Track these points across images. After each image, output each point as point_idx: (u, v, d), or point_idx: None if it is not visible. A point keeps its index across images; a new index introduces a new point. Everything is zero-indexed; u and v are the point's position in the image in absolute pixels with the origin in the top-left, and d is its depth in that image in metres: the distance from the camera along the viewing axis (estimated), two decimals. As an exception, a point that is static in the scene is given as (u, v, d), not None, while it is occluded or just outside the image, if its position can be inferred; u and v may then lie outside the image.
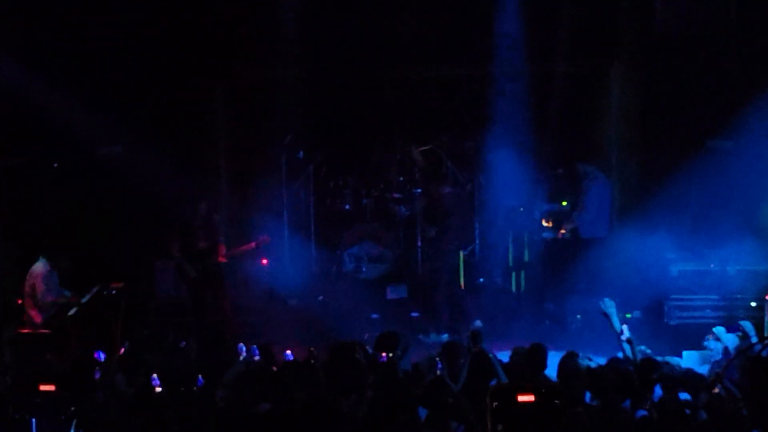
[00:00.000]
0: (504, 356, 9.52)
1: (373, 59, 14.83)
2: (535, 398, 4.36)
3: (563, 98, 14.67)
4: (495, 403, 4.44)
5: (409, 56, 14.81)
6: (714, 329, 10.15)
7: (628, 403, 8.05)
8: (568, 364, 8.94)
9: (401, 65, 15.02)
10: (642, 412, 7.49)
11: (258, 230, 13.40)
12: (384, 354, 9.09)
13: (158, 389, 7.76)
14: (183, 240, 12.56)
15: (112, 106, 13.95)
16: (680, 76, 13.66)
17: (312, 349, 9.40)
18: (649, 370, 8.67)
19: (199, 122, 14.61)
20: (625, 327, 9.50)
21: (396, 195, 14.50)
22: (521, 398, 4.38)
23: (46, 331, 11.47)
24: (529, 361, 9.05)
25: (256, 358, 9.18)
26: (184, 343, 11.13)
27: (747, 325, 9.99)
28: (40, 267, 11.87)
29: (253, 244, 12.81)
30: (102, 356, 9.33)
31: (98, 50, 13.82)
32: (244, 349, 9.33)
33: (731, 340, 9.93)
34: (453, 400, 7.88)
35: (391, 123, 15.06)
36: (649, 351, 9.90)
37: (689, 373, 9.06)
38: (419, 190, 14.44)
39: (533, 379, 8.64)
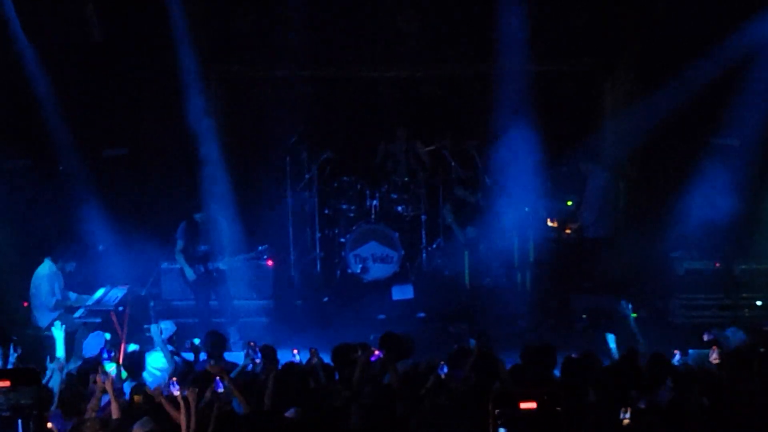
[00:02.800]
0: (509, 356, 9.52)
1: (377, 58, 14.86)
2: (538, 405, 4.37)
3: (567, 97, 14.67)
4: (497, 410, 4.45)
5: (412, 55, 14.83)
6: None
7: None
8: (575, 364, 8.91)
9: (405, 65, 15.04)
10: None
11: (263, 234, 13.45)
12: (377, 352, 9.05)
13: (176, 392, 7.76)
14: (186, 242, 12.57)
15: (117, 108, 13.99)
16: (683, 73, 13.64)
17: (314, 350, 9.39)
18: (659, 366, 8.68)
19: (204, 123, 14.61)
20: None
21: (401, 195, 14.50)
22: (523, 405, 4.38)
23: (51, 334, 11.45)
24: (539, 361, 9.03)
25: (258, 360, 9.18)
26: (188, 343, 11.17)
27: None
28: (45, 269, 11.88)
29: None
30: (108, 354, 9.34)
31: (102, 51, 13.86)
32: (248, 351, 9.34)
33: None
34: (452, 403, 7.86)
35: (395, 123, 15.06)
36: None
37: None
38: (423, 191, 14.46)
39: (542, 379, 8.63)
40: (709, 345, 9.65)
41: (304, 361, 9.23)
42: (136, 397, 8.05)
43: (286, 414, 7.54)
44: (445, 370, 8.42)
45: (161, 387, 8.58)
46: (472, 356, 8.87)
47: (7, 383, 5.17)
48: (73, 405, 8.24)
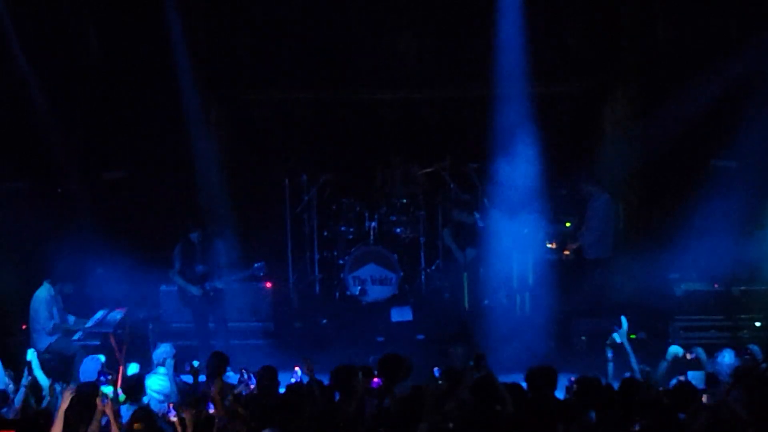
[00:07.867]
0: (508, 378, 9.48)
1: (376, 81, 14.90)
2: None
3: (566, 118, 14.68)
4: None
5: (411, 77, 14.88)
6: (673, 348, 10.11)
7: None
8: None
9: (404, 87, 15.08)
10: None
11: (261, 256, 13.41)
12: (376, 379, 9.00)
13: (173, 418, 7.75)
14: (182, 263, 12.54)
15: (117, 131, 14.01)
16: (682, 95, 13.68)
17: (307, 359, 9.33)
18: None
19: (203, 146, 14.64)
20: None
21: (400, 217, 14.50)
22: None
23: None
24: (540, 383, 8.99)
25: (252, 386, 9.11)
26: (187, 365, 11.11)
27: (755, 349, 9.96)
28: (43, 292, 11.85)
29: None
30: (105, 378, 9.31)
31: (102, 74, 13.90)
32: (241, 376, 9.29)
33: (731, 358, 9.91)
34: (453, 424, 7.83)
35: (393, 145, 15.08)
36: (648, 368, 9.88)
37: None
38: (422, 213, 14.46)
39: (543, 401, 8.60)
40: (692, 364, 9.69)
41: (304, 379, 9.20)
42: (137, 425, 7.98)
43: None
44: None
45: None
46: (470, 379, 8.82)
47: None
48: (73, 428, 8.21)
